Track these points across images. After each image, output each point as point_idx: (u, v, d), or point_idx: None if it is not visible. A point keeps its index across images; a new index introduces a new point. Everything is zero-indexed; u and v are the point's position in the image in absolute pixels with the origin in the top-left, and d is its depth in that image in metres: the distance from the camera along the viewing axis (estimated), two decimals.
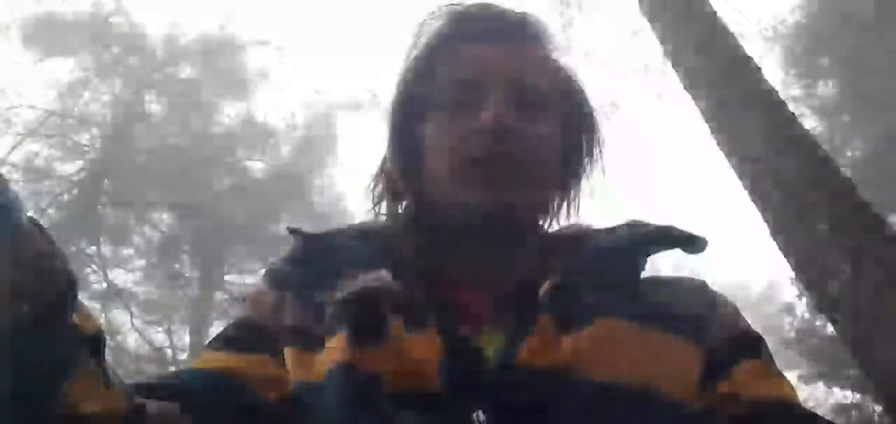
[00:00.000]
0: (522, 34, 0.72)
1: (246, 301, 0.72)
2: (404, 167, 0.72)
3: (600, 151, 0.76)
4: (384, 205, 0.76)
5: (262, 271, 0.72)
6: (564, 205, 0.76)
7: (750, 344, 0.65)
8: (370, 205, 0.77)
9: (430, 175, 0.68)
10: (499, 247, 0.67)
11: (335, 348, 0.60)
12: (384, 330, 0.58)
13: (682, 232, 0.68)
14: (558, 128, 0.70)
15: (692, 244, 0.68)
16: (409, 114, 0.72)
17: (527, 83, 0.68)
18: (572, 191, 0.76)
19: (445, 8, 0.73)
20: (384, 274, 0.63)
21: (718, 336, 0.64)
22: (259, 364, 0.63)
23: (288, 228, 0.73)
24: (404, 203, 0.74)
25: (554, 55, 0.74)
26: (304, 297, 0.67)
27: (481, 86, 0.66)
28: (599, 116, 0.77)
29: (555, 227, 0.76)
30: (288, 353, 0.63)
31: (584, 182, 0.76)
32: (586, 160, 0.75)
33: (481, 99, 0.65)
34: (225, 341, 0.66)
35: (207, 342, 0.68)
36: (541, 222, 0.74)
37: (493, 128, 0.63)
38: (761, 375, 0.63)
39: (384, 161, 0.76)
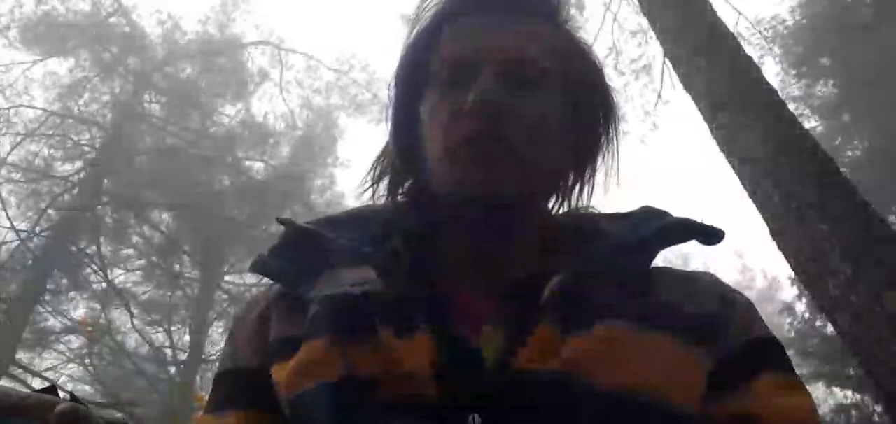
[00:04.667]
0: (527, 7, 0.68)
1: (229, 344, 0.70)
2: (403, 146, 0.70)
3: (615, 130, 0.71)
4: (383, 185, 0.73)
5: (250, 262, 0.70)
6: (575, 186, 0.71)
7: (769, 353, 0.62)
8: (369, 183, 0.74)
9: (427, 155, 0.66)
10: (497, 234, 0.64)
11: (318, 355, 0.58)
12: (372, 335, 0.56)
13: (698, 223, 0.65)
14: (562, 106, 0.66)
15: (708, 235, 0.65)
16: (408, 92, 0.70)
17: (525, 59, 0.64)
18: (584, 174, 0.71)
19: None
20: (369, 273, 0.61)
21: (733, 339, 0.61)
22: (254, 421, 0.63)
23: (278, 219, 0.71)
24: (404, 184, 0.72)
25: (564, 28, 0.71)
26: (290, 294, 0.66)
27: (475, 63, 0.63)
28: (614, 94, 0.72)
29: (563, 211, 0.72)
30: (275, 370, 0.62)
31: (598, 163, 0.72)
32: (598, 140, 0.71)
33: (474, 77, 0.62)
34: (218, 404, 0.66)
35: (204, 410, 0.67)
36: (548, 205, 0.71)
37: (480, 108, 0.60)
38: (783, 392, 0.59)
39: (388, 141, 0.74)
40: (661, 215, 0.67)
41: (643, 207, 0.69)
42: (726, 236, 0.66)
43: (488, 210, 0.62)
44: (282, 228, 0.70)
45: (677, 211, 0.67)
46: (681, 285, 0.65)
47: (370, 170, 0.74)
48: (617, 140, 0.72)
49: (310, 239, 0.68)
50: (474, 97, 0.60)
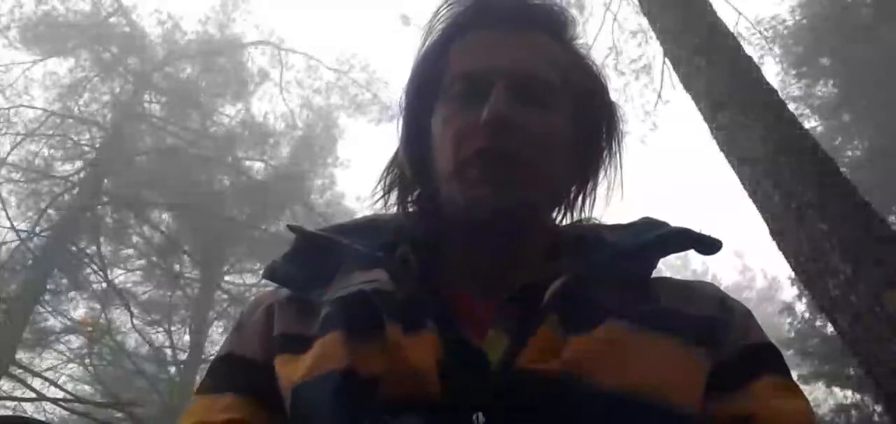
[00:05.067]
0: (535, 23, 0.70)
1: (237, 331, 0.71)
2: (413, 157, 0.72)
3: (618, 145, 0.74)
4: (394, 195, 0.75)
5: (262, 269, 0.72)
6: (578, 199, 0.74)
7: (766, 357, 0.63)
8: (380, 193, 0.75)
9: (437, 168, 0.67)
10: (504, 245, 0.66)
11: (329, 349, 0.59)
12: (380, 333, 0.57)
13: (696, 233, 0.67)
14: (569, 122, 0.67)
15: (706, 245, 0.67)
16: (420, 103, 0.71)
17: (535, 75, 0.66)
18: (587, 186, 0.74)
19: None
20: (381, 275, 0.62)
21: (732, 344, 0.62)
22: (251, 409, 0.63)
23: (288, 226, 0.72)
24: (414, 194, 0.74)
25: (571, 45, 0.72)
26: (300, 298, 0.67)
27: (486, 79, 0.65)
28: (618, 110, 0.74)
29: (566, 222, 0.74)
30: (278, 361, 0.63)
31: (600, 176, 0.74)
32: (602, 154, 0.73)
33: (485, 92, 0.63)
34: (215, 388, 0.66)
35: (198, 386, 0.67)
36: (552, 216, 0.73)
37: (491, 124, 0.62)
38: (780, 394, 0.60)
39: (398, 150, 0.75)
40: (661, 225, 0.68)
41: (643, 218, 0.70)
42: (724, 246, 0.67)
43: (496, 224, 0.64)
44: (293, 235, 0.71)
45: (677, 218, 0.69)
46: (680, 292, 0.66)
47: (380, 180, 0.76)
48: (620, 155, 0.74)
49: (321, 245, 0.69)
50: (488, 112, 0.62)
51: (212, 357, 0.72)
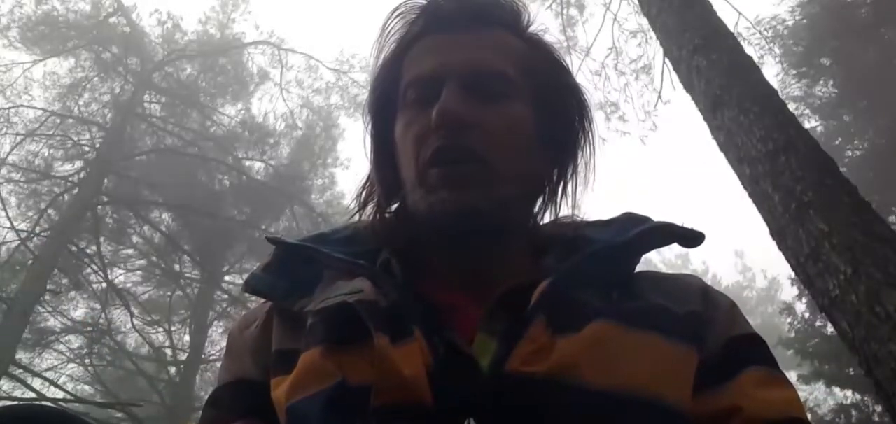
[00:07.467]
0: (486, 20, 0.69)
1: (228, 355, 0.71)
2: (383, 175, 0.71)
3: (589, 124, 0.73)
4: (369, 209, 0.74)
5: (242, 283, 0.72)
6: (559, 189, 0.73)
7: (752, 349, 0.63)
8: (357, 208, 0.75)
9: (404, 178, 0.67)
10: (482, 247, 0.65)
11: (316, 363, 0.58)
12: (367, 342, 0.56)
13: (678, 227, 0.67)
14: (534, 111, 0.67)
15: (689, 239, 0.67)
16: (381, 118, 0.71)
17: (487, 69, 0.65)
18: (566, 173, 0.73)
19: (407, 4, 0.71)
20: (364, 284, 0.62)
21: (717, 337, 0.62)
22: None
23: (267, 238, 0.71)
24: (390, 206, 0.73)
25: (527, 34, 0.72)
26: (283, 310, 0.67)
27: (436, 78, 0.64)
28: (585, 93, 0.73)
29: (548, 219, 0.73)
30: (273, 383, 0.62)
31: (578, 159, 0.73)
32: (574, 139, 0.72)
33: (437, 93, 0.63)
34: (217, 417, 0.66)
35: (202, 418, 0.67)
36: (533, 213, 0.72)
37: (440, 122, 0.61)
38: (767, 385, 0.60)
39: (369, 169, 0.75)
40: (643, 220, 0.68)
41: (625, 213, 0.70)
42: (706, 238, 0.67)
43: (463, 227, 0.63)
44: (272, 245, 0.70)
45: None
46: (665, 286, 0.66)
47: (357, 196, 0.76)
48: (592, 135, 0.73)
49: (302, 255, 0.68)
50: (436, 111, 0.61)
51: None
